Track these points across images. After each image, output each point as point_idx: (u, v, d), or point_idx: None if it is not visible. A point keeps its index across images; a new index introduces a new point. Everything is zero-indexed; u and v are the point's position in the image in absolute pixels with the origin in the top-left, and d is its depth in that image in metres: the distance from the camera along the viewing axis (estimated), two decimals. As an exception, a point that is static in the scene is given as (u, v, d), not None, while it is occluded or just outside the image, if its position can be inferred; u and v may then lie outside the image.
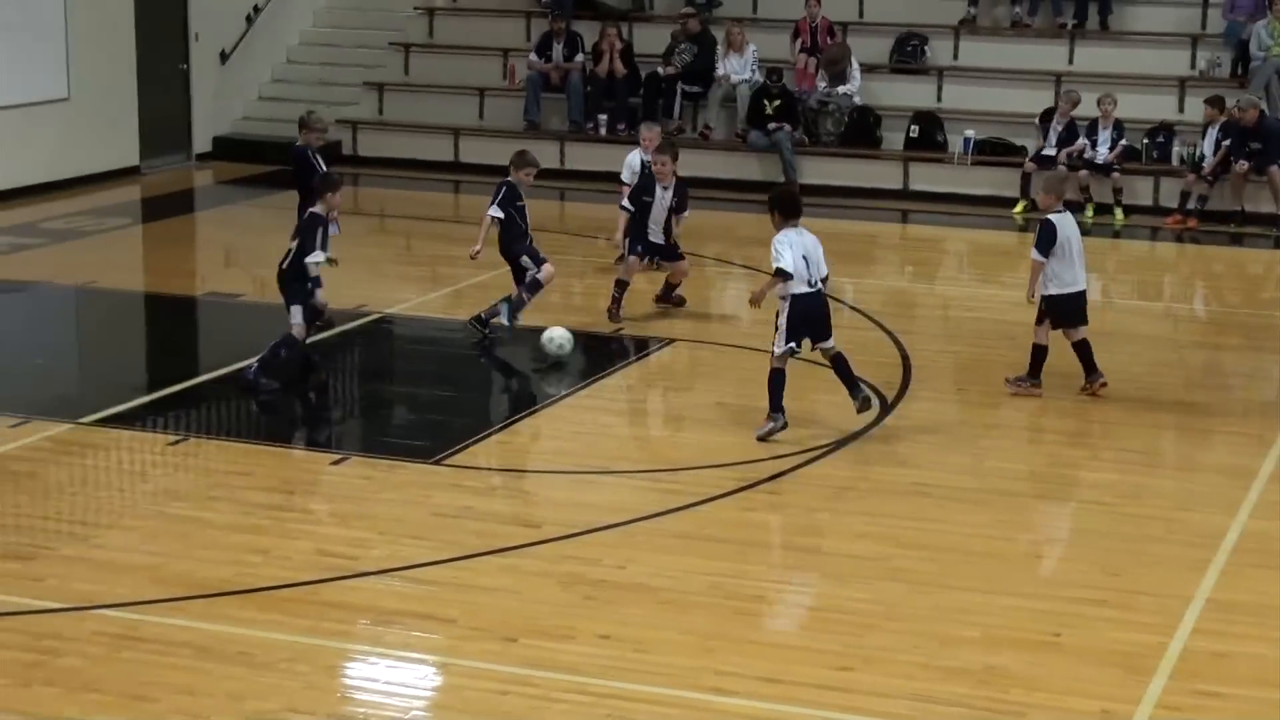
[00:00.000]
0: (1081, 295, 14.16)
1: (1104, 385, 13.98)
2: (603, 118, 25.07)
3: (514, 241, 15.61)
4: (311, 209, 14.54)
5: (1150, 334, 17.19)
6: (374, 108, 26.63)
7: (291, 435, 14.11)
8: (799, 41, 24.78)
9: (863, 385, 13.18)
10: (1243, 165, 21.86)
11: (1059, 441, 13.69)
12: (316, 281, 14.20)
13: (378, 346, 16.69)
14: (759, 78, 24.39)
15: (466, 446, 13.17)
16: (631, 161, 18.50)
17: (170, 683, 8.77)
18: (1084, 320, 14.14)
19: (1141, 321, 18.07)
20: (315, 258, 14.00)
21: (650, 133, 18.77)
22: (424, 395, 15.04)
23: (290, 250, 14.13)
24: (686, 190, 16.73)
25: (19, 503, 11.72)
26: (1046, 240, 13.77)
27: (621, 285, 16.33)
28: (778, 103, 23.76)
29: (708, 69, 24.78)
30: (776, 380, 12.76)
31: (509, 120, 25.77)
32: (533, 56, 25.44)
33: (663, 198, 16.28)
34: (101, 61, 23.84)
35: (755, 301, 13.12)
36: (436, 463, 12.68)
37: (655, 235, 16.41)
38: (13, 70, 22.29)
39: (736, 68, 24.44)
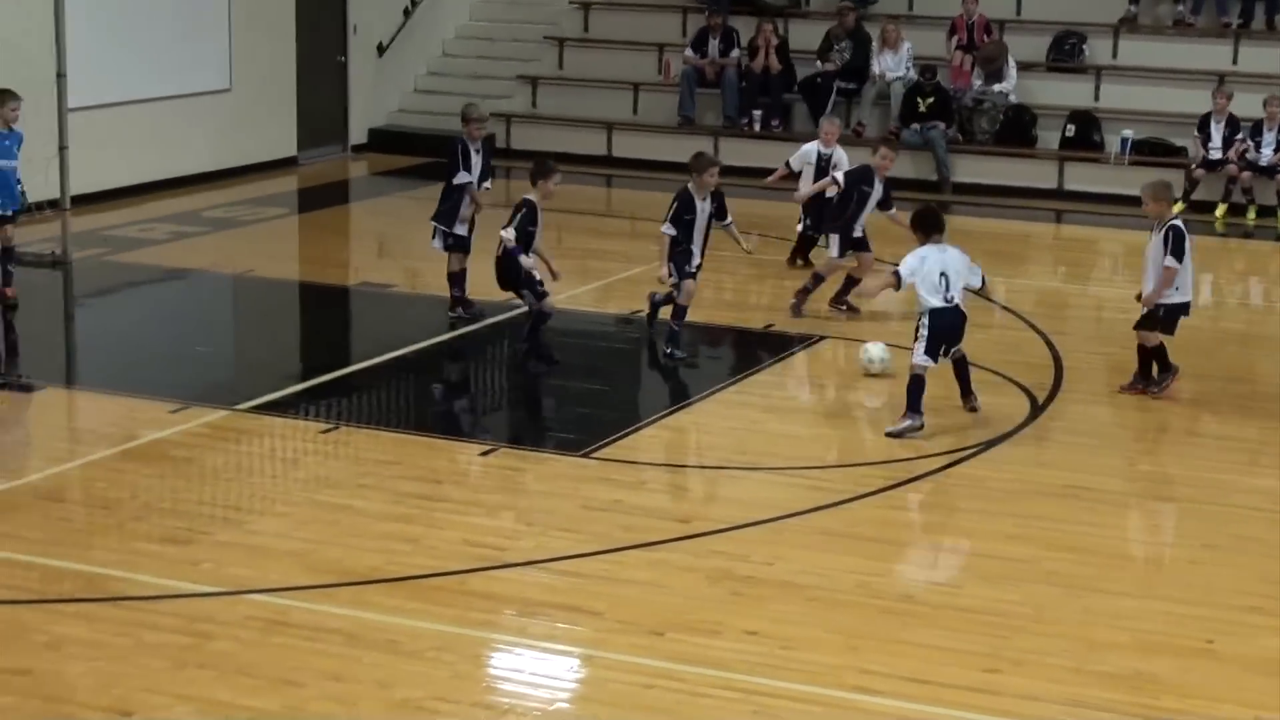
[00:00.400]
0: (1188, 308, 14.18)
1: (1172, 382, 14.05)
2: (757, 114, 24.98)
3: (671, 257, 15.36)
4: (526, 195, 14.59)
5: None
6: (528, 101, 26.69)
7: (441, 426, 14.17)
8: (955, 39, 24.60)
9: (976, 395, 13.28)
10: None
11: (1214, 446, 13.43)
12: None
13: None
14: (914, 75, 24.30)
15: (616, 440, 13.15)
16: (807, 152, 18.40)
17: (319, 668, 8.85)
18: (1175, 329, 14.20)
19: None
20: (507, 235, 14.22)
21: (832, 126, 18.66)
22: (574, 388, 15.01)
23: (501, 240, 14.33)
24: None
25: (176, 487, 11.86)
26: (1179, 245, 13.64)
27: (817, 279, 16.45)
28: (932, 100, 23.65)
29: (863, 66, 24.65)
30: (916, 385, 12.78)
31: (663, 115, 25.75)
32: (688, 51, 25.38)
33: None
34: (262, 53, 24.09)
35: (866, 294, 14.02)
36: (585, 455, 12.67)
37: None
38: (177, 62, 22.56)
39: (891, 65, 24.35)
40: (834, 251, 16.76)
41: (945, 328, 12.93)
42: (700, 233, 15.27)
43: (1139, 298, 14.04)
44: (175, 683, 8.66)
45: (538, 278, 14.43)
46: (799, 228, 18.42)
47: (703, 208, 15.26)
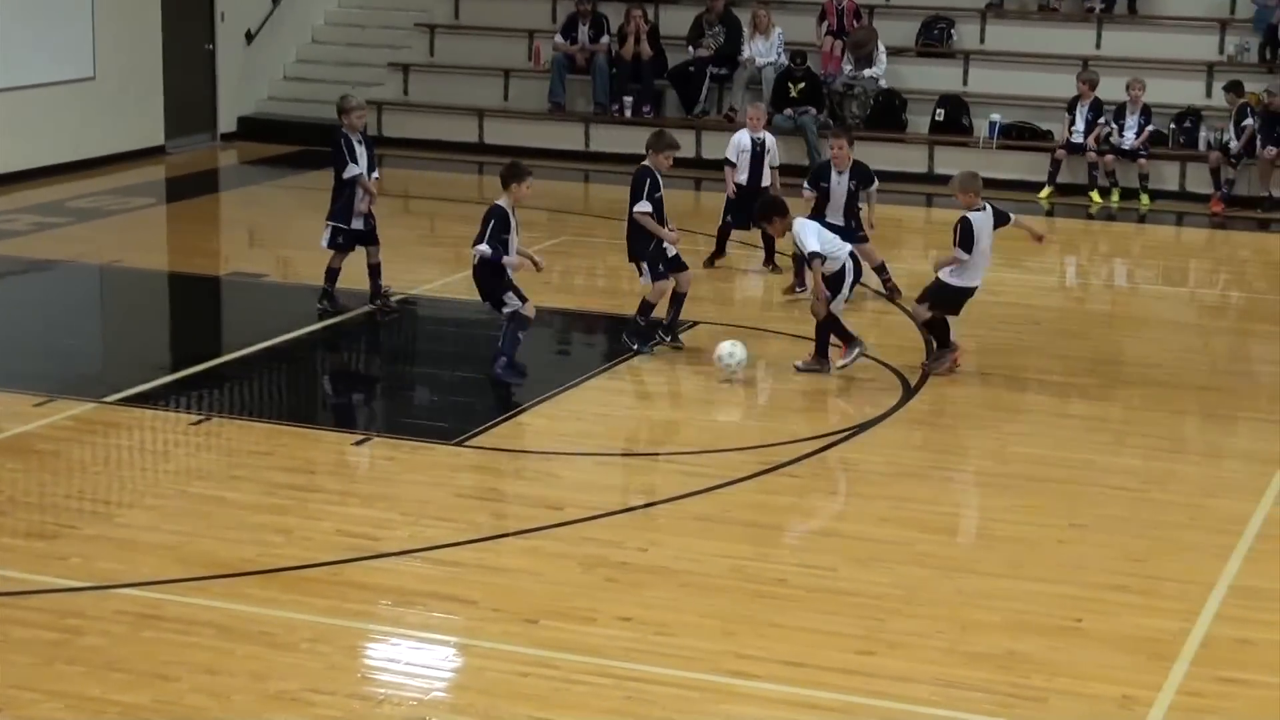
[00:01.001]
0: (972, 292, 14.60)
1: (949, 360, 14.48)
2: (628, 100, 25.12)
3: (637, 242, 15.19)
4: (496, 202, 14.27)
5: (1175, 320, 17.20)
6: (399, 89, 26.64)
7: (314, 415, 14.16)
8: (825, 24, 24.79)
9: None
10: (1271, 151, 21.87)
11: (1083, 427, 13.69)
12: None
13: (401, 327, 16.73)
14: (785, 60, 24.46)
15: (490, 428, 13.21)
16: (739, 141, 18.12)
17: (192, 662, 8.81)
18: (957, 313, 14.64)
19: (1166, 307, 18.08)
20: (482, 249, 14.02)
21: (757, 111, 18.48)
22: (447, 377, 15.06)
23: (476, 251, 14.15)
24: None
25: (43, 481, 11.79)
26: (967, 237, 14.23)
27: None
28: (803, 85, 23.88)
29: (734, 51, 24.83)
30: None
31: (534, 102, 25.83)
32: (558, 38, 25.43)
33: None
34: (127, 41, 23.94)
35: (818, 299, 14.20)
36: (459, 444, 12.71)
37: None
38: (39, 50, 22.38)
39: (762, 50, 24.48)
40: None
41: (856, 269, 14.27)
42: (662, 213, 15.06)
43: None
44: (44, 679, 8.59)
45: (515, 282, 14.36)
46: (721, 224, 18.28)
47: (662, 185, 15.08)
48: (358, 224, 15.69)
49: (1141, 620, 9.89)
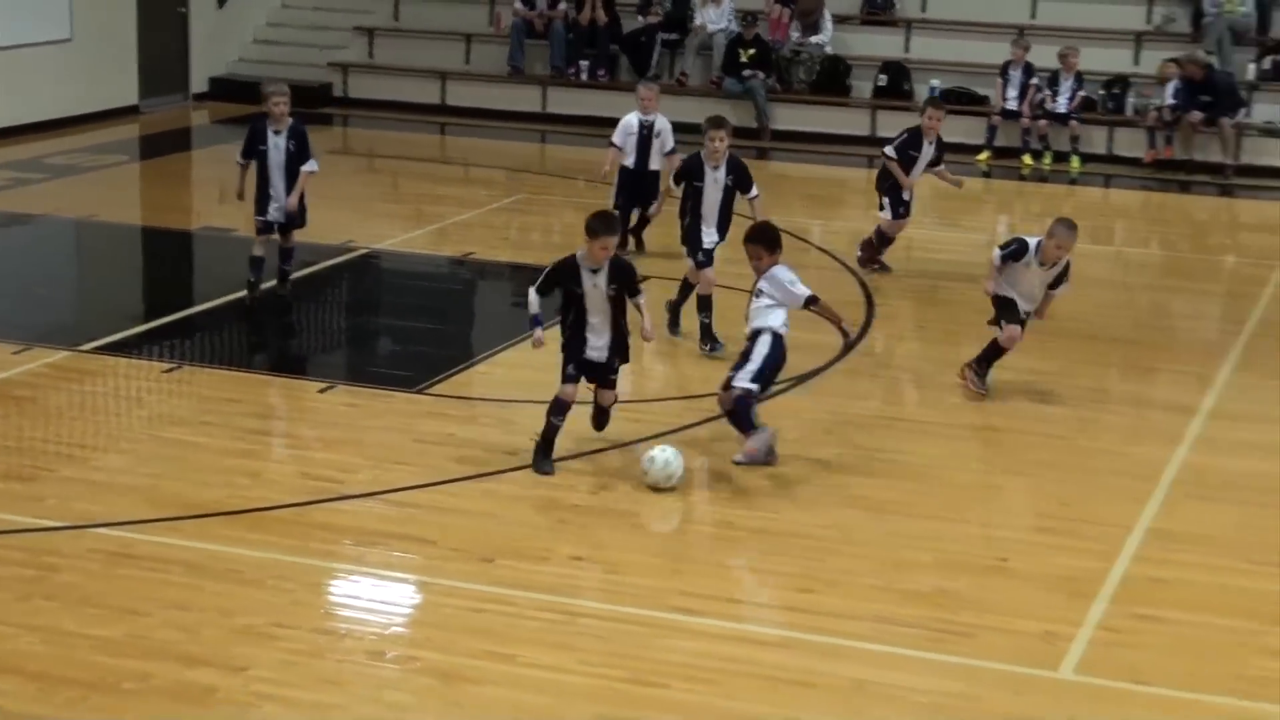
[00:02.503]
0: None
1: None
2: (584, 64, 25.18)
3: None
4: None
5: (1102, 277, 17.25)
6: (364, 51, 26.59)
7: (280, 364, 14.16)
8: None
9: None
10: (1195, 116, 22.08)
11: (1015, 377, 13.80)
12: None
13: (364, 281, 16.74)
14: (735, 27, 24.53)
15: (449, 376, 13.26)
16: (628, 123, 16.80)
17: (163, 598, 8.86)
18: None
19: (1094, 265, 18.14)
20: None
21: (649, 91, 16.97)
22: (408, 327, 15.08)
23: None
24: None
25: (21, 426, 11.80)
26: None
27: (882, 237, 16.28)
28: (752, 51, 23.97)
29: (682, 18, 24.90)
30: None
31: (494, 65, 25.86)
32: (518, 4, 25.47)
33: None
34: (103, 4, 23.89)
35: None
36: (419, 391, 12.76)
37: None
38: (18, 12, 22.31)
39: (713, 17, 24.61)
40: (888, 215, 16.47)
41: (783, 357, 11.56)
42: (713, 207, 13.90)
43: None
44: (21, 614, 8.65)
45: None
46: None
47: (714, 177, 13.87)
48: (275, 215, 14.47)
49: (1065, 560, 10.02)
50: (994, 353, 13.13)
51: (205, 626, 8.49)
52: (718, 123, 13.83)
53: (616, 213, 14.42)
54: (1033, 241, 12.85)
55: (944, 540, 10.13)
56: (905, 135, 16.37)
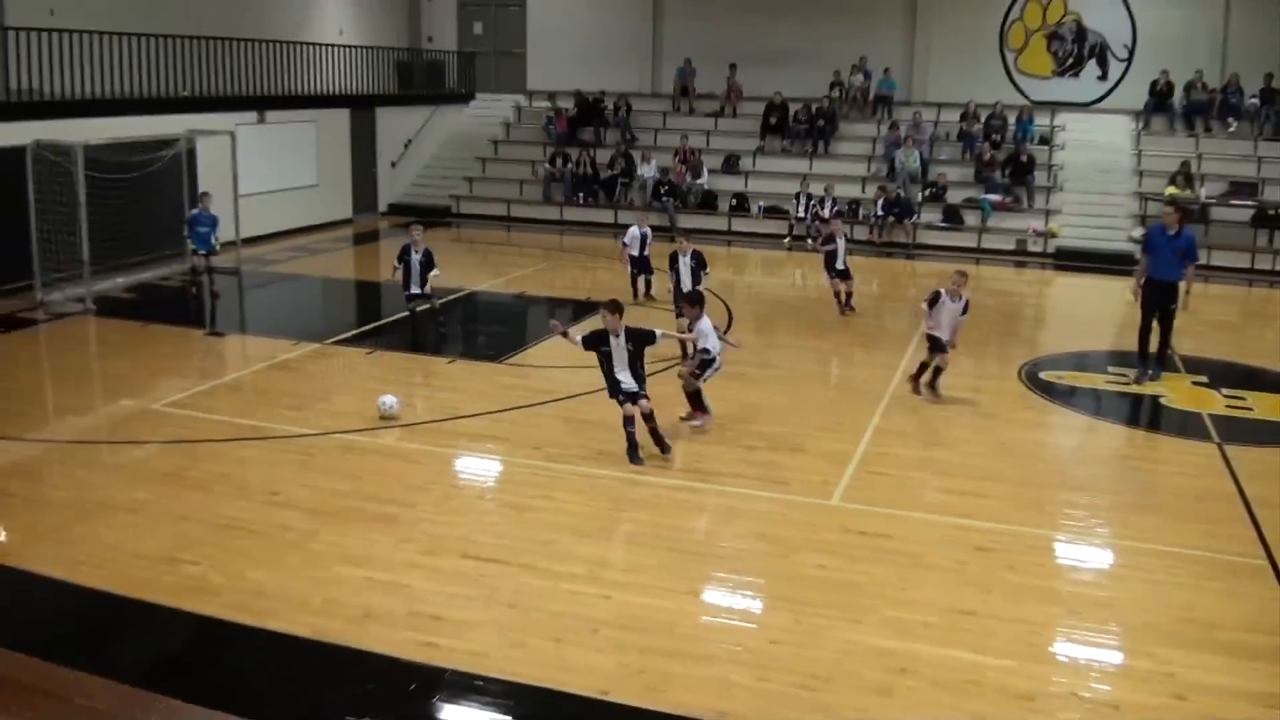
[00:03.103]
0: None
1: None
2: (582, 194, 38.12)
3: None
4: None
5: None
6: (468, 189, 39.58)
7: (426, 348, 20.15)
8: (678, 158, 38.30)
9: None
10: (891, 219, 33.01)
11: (806, 349, 20.46)
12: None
13: (470, 306, 23.60)
14: (658, 175, 37.79)
15: (514, 353, 19.49)
16: (634, 232, 25.35)
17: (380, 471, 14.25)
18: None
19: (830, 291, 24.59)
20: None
21: (644, 216, 26.56)
22: (490, 330, 22.39)
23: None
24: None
25: (298, 381, 17.35)
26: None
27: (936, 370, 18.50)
28: (666, 186, 38.33)
29: (632, 170, 38.62)
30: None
31: (535, 195, 39.85)
32: (546, 165, 38.61)
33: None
34: (331, 163, 36.25)
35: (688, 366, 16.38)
36: (499, 362, 18.72)
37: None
38: (292, 169, 34.33)
39: (647, 170, 38.31)
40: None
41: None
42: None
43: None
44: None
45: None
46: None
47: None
48: (414, 289, 21.44)
49: (833, 445, 15.50)
50: (937, 372, 17.75)
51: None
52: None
53: (630, 293, 23.69)
54: (941, 290, 17.19)
55: (775, 437, 15.59)
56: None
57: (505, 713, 9.79)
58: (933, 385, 17.51)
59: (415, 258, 21.17)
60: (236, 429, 15.84)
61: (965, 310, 17.29)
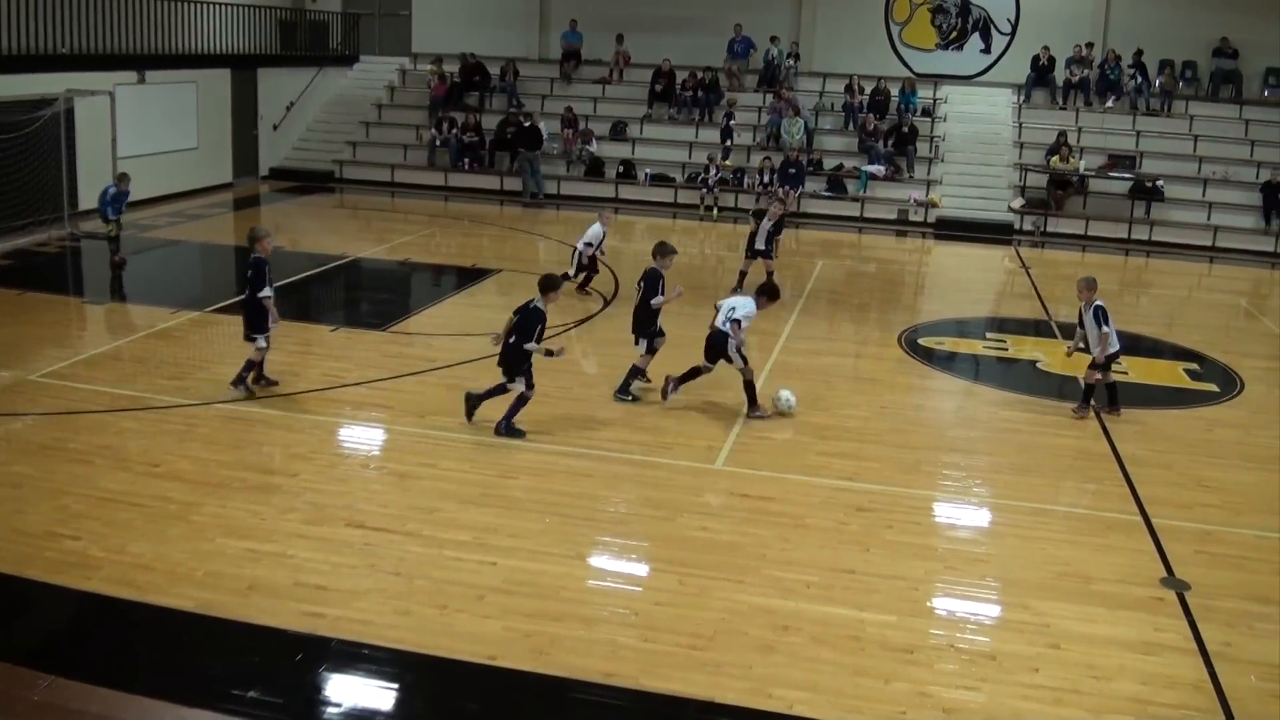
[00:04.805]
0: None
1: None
2: (467, 160, 38.11)
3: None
4: (535, 302, 14.86)
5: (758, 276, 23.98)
6: (351, 154, 39.13)
7: (310, 317, 18.86)
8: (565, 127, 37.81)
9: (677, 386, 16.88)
10: (787, 189, 32.64)
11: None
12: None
13: (352, 274, 20.58)
14: (554, 143, 38.11)
15: (398, 321, 19.25)
16: (594, 230, 23.18)
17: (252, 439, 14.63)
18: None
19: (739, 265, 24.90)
20: (529, 346, 15.02)
21: (606, 216, 26.61)
22: (377, 298, 22.34)
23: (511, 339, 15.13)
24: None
25: (180, 350, 17.62)
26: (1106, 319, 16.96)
27: None
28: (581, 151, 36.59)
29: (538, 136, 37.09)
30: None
31: (420, 161, 38.16)
32: (432, 130, 39.32)
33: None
34: (212, 126, 35.84)
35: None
36: (384, 330, 18.66)
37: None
38: (173, 132, 34.07)
39: (545, 131, 37.42)
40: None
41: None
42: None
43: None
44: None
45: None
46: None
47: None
48: (273, 328, 16.28)
49: (716, 410, 16.12)
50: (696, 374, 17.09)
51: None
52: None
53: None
54: (751, 305, 16.19)
55: (660, 404, 16.15)
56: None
57: (393, 681, 9.98)
58: (680, 382, 16.70)
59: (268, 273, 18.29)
60: (116, 399, 15.90)
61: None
